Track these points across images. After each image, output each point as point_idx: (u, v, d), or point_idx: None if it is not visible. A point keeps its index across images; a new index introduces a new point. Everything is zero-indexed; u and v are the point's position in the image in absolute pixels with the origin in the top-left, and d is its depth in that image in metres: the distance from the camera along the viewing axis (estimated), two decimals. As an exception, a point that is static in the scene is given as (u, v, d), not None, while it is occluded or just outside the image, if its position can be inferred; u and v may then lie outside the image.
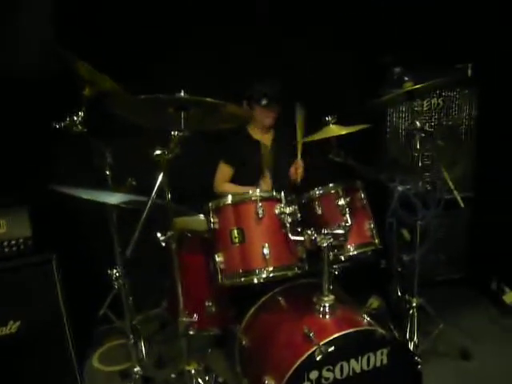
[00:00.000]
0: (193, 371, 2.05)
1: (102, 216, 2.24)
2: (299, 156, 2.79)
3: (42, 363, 2.46)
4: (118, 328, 2.86)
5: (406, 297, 2.71)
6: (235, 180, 2.95)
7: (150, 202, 1.63)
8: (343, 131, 2.15)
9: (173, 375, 2.31)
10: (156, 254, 2.43)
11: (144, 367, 2.42)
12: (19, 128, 2.72)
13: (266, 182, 2.81)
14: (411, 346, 2.54)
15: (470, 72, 3.12)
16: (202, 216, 2.48)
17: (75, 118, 1.91)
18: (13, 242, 2.39)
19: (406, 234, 3.13)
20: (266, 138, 2.98)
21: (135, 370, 2.35)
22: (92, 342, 3.09)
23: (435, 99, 3.15)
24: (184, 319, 1.93)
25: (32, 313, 2.41)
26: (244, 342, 2.20)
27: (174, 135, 1.76)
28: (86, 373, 2.75)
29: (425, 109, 3.13)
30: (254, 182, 2.79)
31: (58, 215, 2.84)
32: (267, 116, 2.84)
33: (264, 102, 2.75)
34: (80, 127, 1.92)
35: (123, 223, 2.20)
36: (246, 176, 2.87)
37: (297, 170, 2.81)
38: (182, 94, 1.75)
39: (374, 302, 2.92)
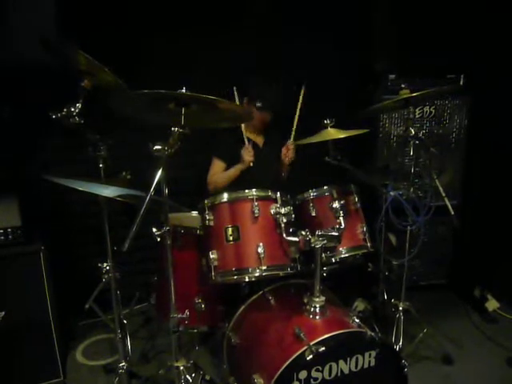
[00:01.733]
0: (181, 368, 2.04)
1: (90, 209, 2.23)
2: (292, 137, 2.81)
3: (25, 354, 2.43)
4: (103, 322, 2.84)
5: (393, 301, 2.75)
6: None
7: (148, 197, 1.62)
8: (341, 135, 2.16)
9: (161, 371, 2.30)
10: (141, 249, 2.43)
11: (130, 362, 2.40)
12: (14, 116, 2.68)
13: (248, 152, 2.75)
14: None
15: (462, 82, 3.17)
16: (194, 213, 2.49)
17: (72, 110, 1.88)
18: (1, 231, 2.35)
19: (392, 238, 3.17)
20: (257, 139, 2.98)
21: (120, 364, 2.32)
22: (76, 335, 3.06)
23: (427, 107, 3.19)
24: (176, 315, 1.92)
25: (17, 304, 2.39)
26: (233, 340, 2.20)
27: (174, 131, 1.76)
28: (69, 366, 2.73)
29: (417, 116, 3.17)
30: (244, 178, 2.79)
31: (48, 206, 2.80)
32: (259, 118, 2.83)
33: (258, 104, 2.75)
34: (77, 119, 1.90)
35: (111, 217, 2.18)
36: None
37: (288, 150, 2.82)
38: (184, 90, 1.74)
39: (360, 305, 2.95)
